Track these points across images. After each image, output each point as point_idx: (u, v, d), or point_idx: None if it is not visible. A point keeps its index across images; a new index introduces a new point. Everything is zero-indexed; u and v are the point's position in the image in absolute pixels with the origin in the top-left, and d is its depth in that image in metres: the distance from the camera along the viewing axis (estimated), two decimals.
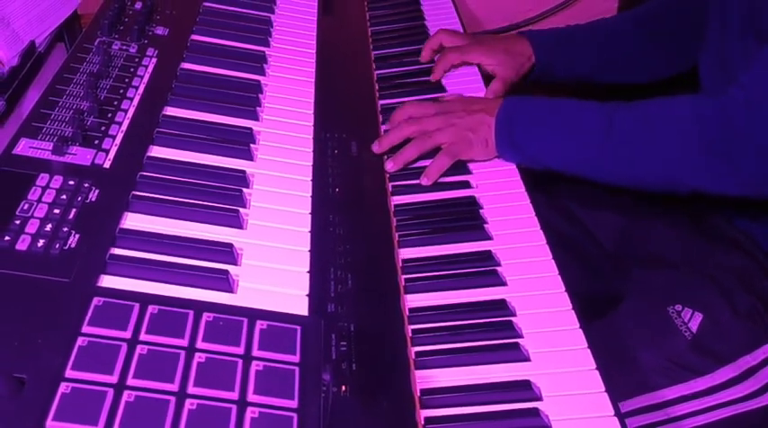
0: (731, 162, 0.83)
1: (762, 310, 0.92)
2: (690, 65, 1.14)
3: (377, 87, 1.10)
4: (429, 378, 0.69)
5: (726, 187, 0.86)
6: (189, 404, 0.54)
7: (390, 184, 0.92)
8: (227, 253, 0.70)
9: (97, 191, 0.72)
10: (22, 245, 0.65)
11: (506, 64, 1.11)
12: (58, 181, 0.72)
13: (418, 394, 0.67)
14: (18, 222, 0.66)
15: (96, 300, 0.60)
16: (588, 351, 0.70)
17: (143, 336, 0.58)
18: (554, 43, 1.15)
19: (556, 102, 0.94)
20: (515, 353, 0.70)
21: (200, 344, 0.58)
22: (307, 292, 0.68)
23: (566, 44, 1.15)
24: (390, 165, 0.93)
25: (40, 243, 0.65)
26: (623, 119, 0.88)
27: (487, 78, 1.11)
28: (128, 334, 0.57)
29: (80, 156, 0.76)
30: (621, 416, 0.65)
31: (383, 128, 1.02)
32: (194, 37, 1.03)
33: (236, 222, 0.74)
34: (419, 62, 1.16)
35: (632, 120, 0.88)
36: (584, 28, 1.17)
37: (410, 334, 0.72)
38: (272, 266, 0.70)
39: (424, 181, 0.91)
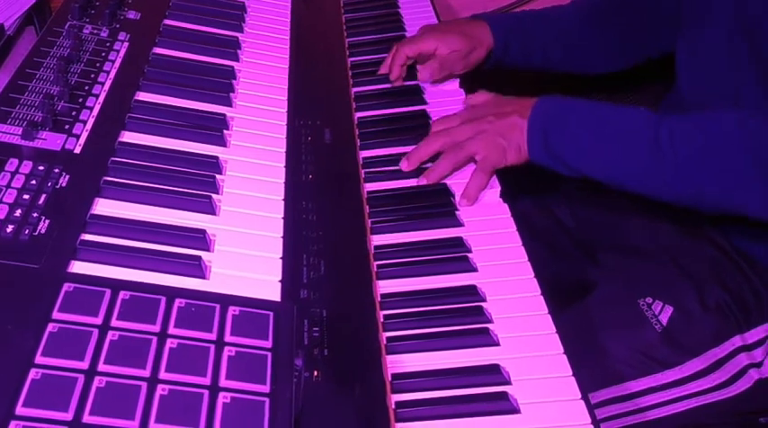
0: None
1: (731, 304, 0.93)
2: (644, 57, 1.14)
3: (350, 74, 1.10)
4: (400, 363, 0.70)
5: None
6: (161, 389, 0.54)
7: (363, 171, 0.92)
8: (199, 239, 0.70)
9: (68, 177, 0.72)
10: None
11: (459, 47, 1.06)
12: (27, 166, 0.71)
13: (389, 378, 0.67)
14: None
15: (67, 286, 0.59)
16: (556, 335, 0.72)
17: (114, 322, 0.58)
18: (510, 26, 1.11)
19: (594, 107, 0.88)
20: (485, 338, 0.72)
21: (172, 330, 0.58)
22: (279, 278, 0.69)
23: (520, 29, 1.11)
24: (425, 181, 0.90)
25: (10, 228, 0.64)
26: (672, 131, 0.83)
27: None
28: (99, 320, 0.57)
29: (50, 140, 0.76)
30: (589, 400, 0.66)
31: (357, 115, 1.02)
32: (167, 21, 1.02)
33: (208, 208, 0.74)
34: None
35: (681, 133, 0.83)
36: (535, 15, 1.15)
37: (382, 320, 0.73)
38: (245, 252, 0.71)
39: (463, 202, 0.87)
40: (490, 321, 0.74)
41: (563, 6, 1.18)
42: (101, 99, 0.83)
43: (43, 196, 0.69)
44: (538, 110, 0.89)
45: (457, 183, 0.90)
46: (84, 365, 0.54)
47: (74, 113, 0.80)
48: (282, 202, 0.78)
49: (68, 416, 0.51)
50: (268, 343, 0.59)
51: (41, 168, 0.71)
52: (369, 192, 0.89)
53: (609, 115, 0.88)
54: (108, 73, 0.87)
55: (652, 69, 1.19)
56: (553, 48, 1.14)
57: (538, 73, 1.18)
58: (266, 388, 0.56)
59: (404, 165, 0.92)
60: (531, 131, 0.89)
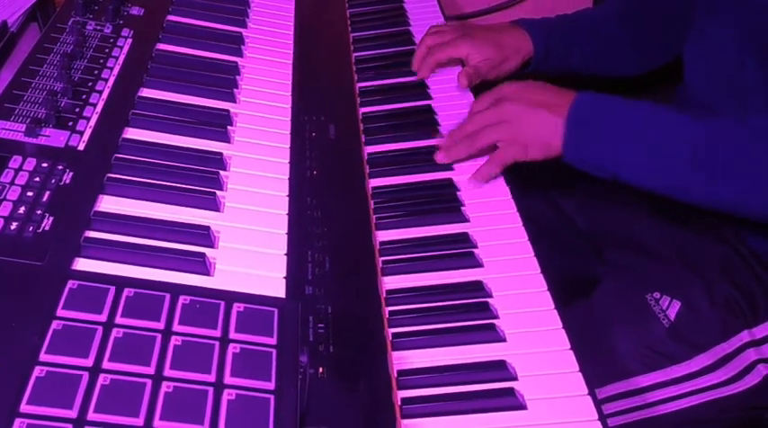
0: None
1: (739, 299, 0.92)
2: (674, 57, 1.13)
3: (355, 69, 1.09)
4: (406, 359, 0.69)
5: None
6: (165, 386, 0.54)
7: (368, 167, 0.92)
8: (203, 235, 0.70)
9: (71, 174, 0.71)
10: None
11: (491, 56, 1.05)
12: (31, 163, 0.71)
13: (395, 375, 0.67)
14: None
15: (71, 283, 0.59)
16: (563, 331, 0.71)
17: (119, 320, 0.57)
18: (549, 32, 1.10)
19: (633, 110, 0.85)
20: (491, 334, 0.71)
21: (176, 327, 0.58)
22: (284, 275, 0.68)
23: (559, 34, 1.11)
24: (441, 157, 0.90)
25: (14, 225, 0.64)
26: (713, 139, 0.81)
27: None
28: (103, 318, 0.57)
29: (54, 137, 0.75)
30: (595, 395, 0.66)
31: (362, 110, 1.02)
32: (170, 17, 1.01)
33: (212, 205, 0.74)
34: (397, 44, 1.16)
35: (722, 141, 0.81)
36: (570, 18, 1.14)
37: (387, 316, 0.73)
38: (250, 249, 0.70)
39: (470, 185, 0.88)
40: (496, 317, 0.73)
41: (595, 8, 1.17)
42: (104, 95, 0.83)
43: (47, 193, 0.68)
44: (575, 110, 0.85)
45: (462, 178, 0.90)
46: (89, 363, 0.54)
47: (77, 110, 0.80)
48: (287, 198, 0.78)
49: (73, 414, 0.51)
50: (273, 340, 0.59)
51: (45, 165, 0.71)
52: (374, 188, 0.89)
53: (647, 120, 0.84)
54: (111, 69, 0.87)
55: (668, 70, 1.18)
56: (590, 51, 1.13)
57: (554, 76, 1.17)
58: (271, 385, 0.55)
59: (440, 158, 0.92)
60: (568, 133, 0.84)
